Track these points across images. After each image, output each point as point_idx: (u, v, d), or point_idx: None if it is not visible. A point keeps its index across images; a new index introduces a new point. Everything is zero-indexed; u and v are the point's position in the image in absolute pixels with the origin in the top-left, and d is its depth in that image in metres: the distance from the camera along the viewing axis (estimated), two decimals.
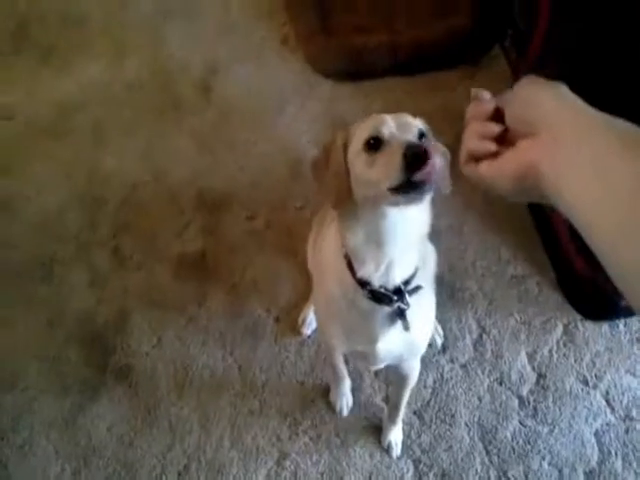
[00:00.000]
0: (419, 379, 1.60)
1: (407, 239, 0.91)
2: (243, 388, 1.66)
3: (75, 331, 1.82)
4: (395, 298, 0.94)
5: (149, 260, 1.96)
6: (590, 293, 1.65)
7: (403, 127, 0.84)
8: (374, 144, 0.83)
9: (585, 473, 1.46)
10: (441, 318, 1.69)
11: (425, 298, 1.03)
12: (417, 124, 0.86)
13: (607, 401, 1.55)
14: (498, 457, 1.49)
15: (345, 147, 0.89)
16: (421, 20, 2.41)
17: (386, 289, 0.94)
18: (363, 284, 0.94)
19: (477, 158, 0.55)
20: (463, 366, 1.63)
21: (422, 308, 1.03)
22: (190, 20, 2.68)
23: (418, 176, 0.73)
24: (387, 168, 0.77)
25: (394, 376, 1.33)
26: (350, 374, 1.58)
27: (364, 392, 1.62)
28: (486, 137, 0.54)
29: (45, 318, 1.85)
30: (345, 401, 1.58)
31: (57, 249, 2.02)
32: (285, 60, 2.51)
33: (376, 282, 0.93)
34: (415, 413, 1.57)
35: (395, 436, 1.52)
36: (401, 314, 0.97)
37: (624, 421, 1.52)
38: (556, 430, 1.52)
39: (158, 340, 1.78)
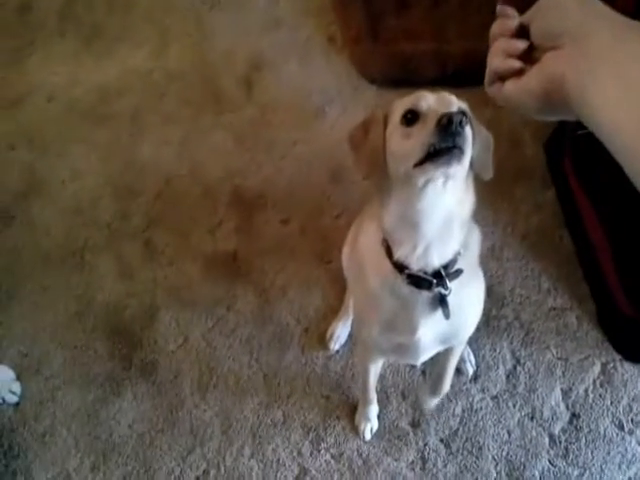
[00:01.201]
0: (448, 406, 1.58)
1: (445, 220, 0.89)
2: (267, 397, 1.64)
3: (102, 322, 1.81)
4: (435, 282, 0.92)
5: (180, 256, 1.94)
6: (632, 333, 1.60)
7: (442, 102, 0.83)
8: (411, 118, 0.83)
9: None
10: (474, 346, 1.65)
11: (470, 283, 1.01)
12: (458, 103, 0.85)
13: None
14: None
15: (385, 121, 0.90)
16: (474, 31, 2.33)
17: (425, 273, 0.92)
18: (401, 268, 0.93)
19: (502, 77, 0.53)
20: (494, 397, 1.59)
21: (466, 293, 1.01)
22: (236, 12, 2.64)
23: (448, 142, 0.75)
24: (420, 140, 0.78)
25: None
26: (378, 399, 1.54)
27: (390, 415, 1.58)
28: (511, 54, 0.53)
29: (73, 307, 1.84)
30: (370, 426, 1.55)
31: (89, 237, 2.01)
32: (330, 61, 2.46)
33: (414, 265, 0.92)
34: (442, 441, 1.54)
35: (434, 404, 1.50)
36: (442, 300, 0.96)
37: None
38: (587, 474, 1.47)
39: (185, 339, 1.76)
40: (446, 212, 0.88)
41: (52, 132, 2.32)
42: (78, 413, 1.65)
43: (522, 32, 0.54)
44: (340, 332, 1.69)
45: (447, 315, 0.98)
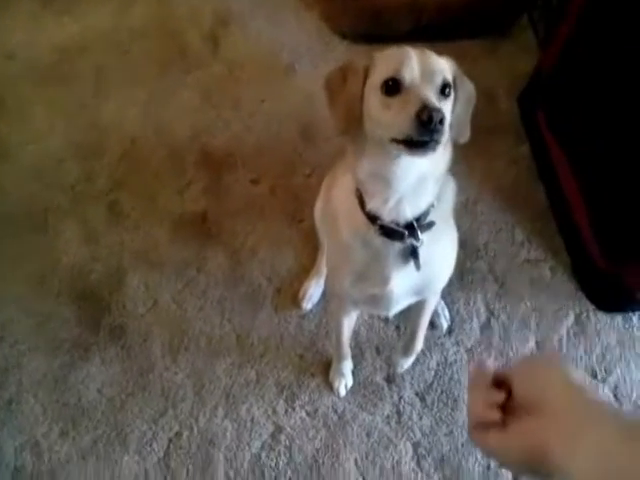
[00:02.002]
0: (422, 360, 1.57)
1: (418, 178, 0.88)
2: (240, 357, 1.61)
3: (68, 287, 1.75)
4: (407, 234, 0.92)
5: (147, 218, 1.87)
6: (606, 284, 1.60)
7: (426, 75, 0.81)
8: (392, 86, 0.81)
9: None
10: (448, 299, 1.63)
11: (442, 235, 1.01)
12: (442, 72, 0.82)
13: (615, 396, 1.51)
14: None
15: (365, 74, 0.86)
16: None
17: (397, 224, 0.92)
18: (373, 219, 0.92)
19: (484, 426, 0.55)
20: (469, 350, 1.58)
21: (439, 245, 1.01)
22: None
23: (425, 137, 0.75)
24: (398, 119, 0.78)
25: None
26: (352, 355, 1.52)
27: (365, 370, 1.57)
28: (491, 405, 0.55)
29: (37, 271, 1.77)
30: (344, 382, 1.53)
31: (52, 199, 1.93)
32: (300, 17, 2.39)
33: (386, 217, 0.92)
34: (417, 394, 1.53)
35: (407, 363, 1.52)
36: (413, 252, 0.96)
37: None
38: None
39: (154, 302, 1.71)
40: (420, 173, 0.88)
41: (11, 92, 2.22)
42: (45, 379, 1.60)
43: (499, 380, 0.56)
44: (313, 291, 1.66)
45: (418, 267, 0.97)
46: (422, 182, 0.89)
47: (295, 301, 1.67)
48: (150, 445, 1.49)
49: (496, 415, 0.54)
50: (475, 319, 1.62)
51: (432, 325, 1.59)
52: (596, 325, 1.61)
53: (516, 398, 0.54)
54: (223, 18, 2.37)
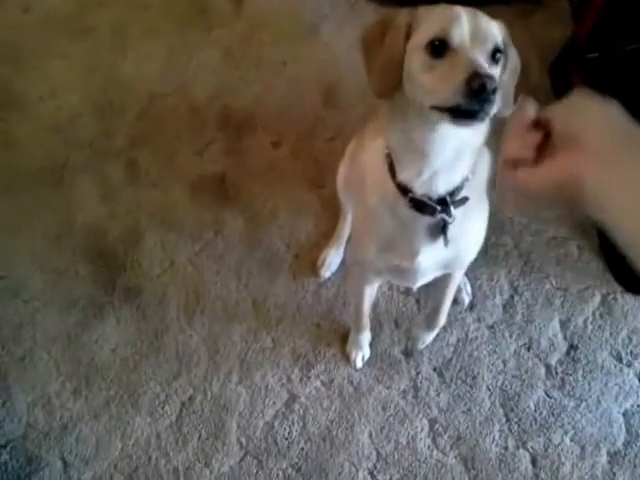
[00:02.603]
0: (442, 335, 1.53)
1: (456, 151, 0.83)
2: (256, 323, 1.58)
3: (83, 245, 1.72)
4: (439, 209, 0.87)
5: (165, 178, 1.83)
6: (634, 265, 1.54)
7: (477, 37, 0.73)
8: (438, 47, 0.73)
9: (609, 453, 1.39)
10: (471, 274, 1.58)
11: (474, 209, 0.96)
12: (494, 35, 0.75)
13: None
14: (518, 426, 1.42)
15: (407, 32, 0.79)
16: None
17: (429, 198, 0.87)
18: (404, 191, 0.88)
19: (515, 165, 0.54)
20: (490, 327, 1.54)
21: (470, 220, 0.97)
22: None
23: (475, 106, 0.69)
24: (443, 85, 0.71)
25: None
26: (370, 327, 1.49)
27: (382, 343, 1.54)
28: (526, 145, 0.54)
29: (53, 228, 1.74)
30: (361, 354, 1.50)
31: (69, 155, 1.89)
32: None
33: (418, 190, 0.87)
34: (435, 370, 1.50)
35: (429, 338, 1.48)
36: (444, 227, 0.91)
37: None
38: (583, 405, 1.44)
39: (170, 263, 1.68)
40: (459, 144, 0.82)
41: (29, 44, 2.16)
42: (59, 337, 1.58)
43: (540, 125, 0.54)
44: (332, 259, 1.62)
45: (446, 243, 0.93)
46: (459, 154, 0.83)
47: (313, 268, 1.63)
48: (162, 408, 1.48)
49: (529, 153, 0.53)
50: (498, 296, 1.58)
51: (454, 300, 1.54)
52: (623, 307, 1.56)
53: (555, 135, 0.52)
54: None
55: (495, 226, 1.66)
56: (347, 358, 1.51)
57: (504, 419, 1.44)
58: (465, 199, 0.89)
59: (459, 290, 1.55)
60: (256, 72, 2.03)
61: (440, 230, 0.92)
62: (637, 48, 1.68)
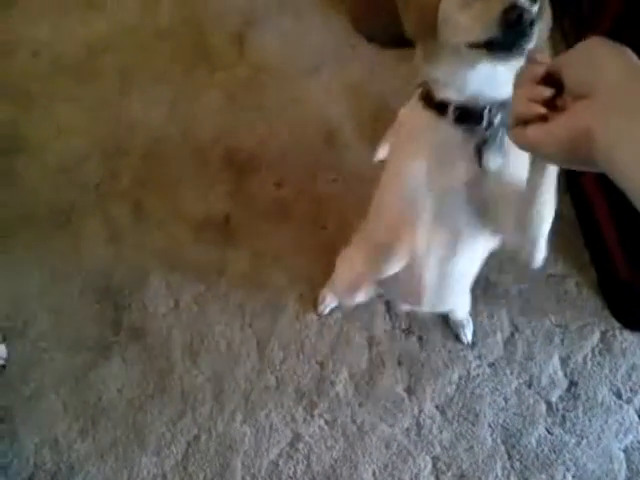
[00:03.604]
0: (444, 373, 1.56)
1: (499, 90, 0.80)
2: (260, 363, 1.60)
3: (90, 286, 1.75)
4: (487, 112, 0.81)
5: (170, 219, 1.87)
6: (632, 300, 1.57)
7: None
8: None
9: None
10: (472, 312, 1.61)
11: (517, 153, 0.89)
12: None
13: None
14: (520, 463, 1.44)
15: None
16: None
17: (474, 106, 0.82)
18: (444, 107, 0.83)
19: (525, 122, 0.52)
20: (491, 364, 1.57)
21: (516, 161, 0.85)
22: None
23: (511, 38, 0.68)
24: (480, 19, 0.70)
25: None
26: (374, 364, 1.51)
27: (385, 381, 1.56)
28: (536, 100, 0.52)
29: (60, 269, 1.78)
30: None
31: (76, 198, 1.93)
32: (326, 17, 2.37)
33: (460, 99, 0.82)
34: (437, 408, 1.51)
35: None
36: (485, 145, 0.84)
37: None
38: (584, 442, 1.46)
39: (175, 303, 1.71)
40: (505, 80, 0.77)
41: (37, 88, 2.22)
42: (66, 377, 1.60)
43: (549, 80, 0.53)
44: (331, 298, 1.64)
45: (488, 163, 0.84)
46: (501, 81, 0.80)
47: (316, 307, 1.66)
48: (168, 447, 1.50)
49: (538, 109, 0.51)
50: (499, 333, 1.61)
51: (455, 337, 1.58)
52: (622, 344, 1.58)
53: (567, 87, 0.50)
54: (249, 18, 2.36)
55: (494, 265, 1.69)
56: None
57: (506, 456, 1.45)
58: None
59: (461, 327, 1.58)
60: (258, 114, 2.09)
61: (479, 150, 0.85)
62: None
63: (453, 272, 1.04)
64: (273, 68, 2.23)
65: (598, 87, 0.46)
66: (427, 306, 1.15)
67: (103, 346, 1.65)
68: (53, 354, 1.64)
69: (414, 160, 0.91)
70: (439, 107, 0.85)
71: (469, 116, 0.83)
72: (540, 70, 0.53)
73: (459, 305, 1.46)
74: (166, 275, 1.76)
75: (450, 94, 0.83)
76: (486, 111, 0.82)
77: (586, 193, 1.73)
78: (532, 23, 0.67)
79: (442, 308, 1.29)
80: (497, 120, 0.82)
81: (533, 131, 0.51)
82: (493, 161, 0.84)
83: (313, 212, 1.84)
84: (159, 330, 1.67)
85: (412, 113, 0.92)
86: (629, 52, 0.47)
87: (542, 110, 0.51)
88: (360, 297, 1.49)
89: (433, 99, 0.85)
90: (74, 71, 2.26)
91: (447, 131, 0.85)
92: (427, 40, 0.81)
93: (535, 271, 1.68)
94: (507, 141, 0.83)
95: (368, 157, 1.78)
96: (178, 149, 2.04)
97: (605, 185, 1.66)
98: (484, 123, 0.82)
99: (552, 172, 0.75)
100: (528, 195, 0.82)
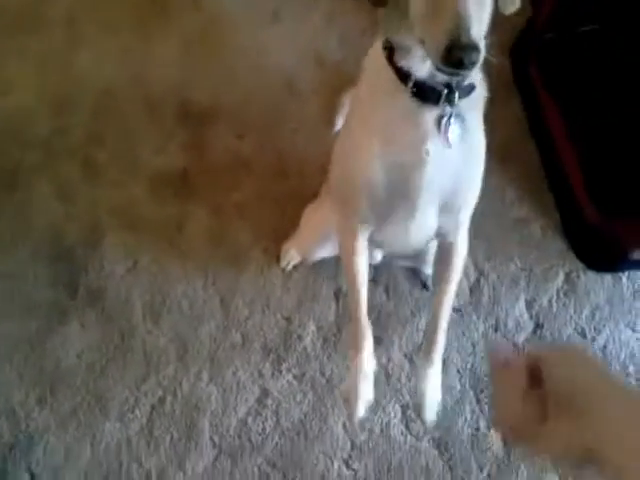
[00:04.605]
0: (411, 321, 1.54)
1: None
2: (225, 320, 1.56)
3: (41, 248, 1.67)
4: (445, 91, 0.80)
5: (125, 175, 1.78)
6: (597, 242, 1.57)
7: None
8: None
9: None
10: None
11: (476, 127, 0.91)
12: None
13: (604, 355, 1.50)
14: (489, 406, 1.44)
15: None
16: None
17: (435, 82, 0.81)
18: (405, 76, 0.81)
19: (518, 432, 0.51)
20: (458, 310, 1.55)
21: (473, 137, 0.90)
22: None
23: (456, 71, 0.68)
24: (431, 28, 0.68)
25: (436, 263, 1.14)
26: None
27: None
28: (526, 415, 0.50)
29: (8, 232, 1.68)
30: (363, 399, 1.12)
31: (22, 156, 1.82)
32: None
33: (421, 75, 0.80)
34: (406, 356, 1.50)
35: (430, 387, 1.16)
36: (447, 122, 0.84)
37: None
38: None
39: (134, 263, 1.64)
40: None
41: None
42: (20, 345, 1.53)
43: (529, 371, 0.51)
44: (293, 252, 1.60)
45: (447, 140, 0.85)
46: None
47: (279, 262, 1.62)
48: (132, 412, 1.45)
49: (535, 429, 0.49)
50: (464, 279, 1.59)
51: (423, 286, 1.57)
52: (586, 284, 1.59)
53: (549, 388, 0.49)
54: None
55: None
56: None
57: (475, 400, 1.45)
58: (472, 87, 0.83)
59: (427, 276, 1.56)
60: (216, 64, 1.99)
61: (444, 127, 0.84)
62: (592, 29, 1.71)
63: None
64: (231, 16, 2.11)
65: (583, 401, 0.45)
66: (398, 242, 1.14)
67: (59, 311, 1.58)
68: (5, 321, 1.57)
69: (370, 131, 0.90)
70: (399, 73, 0.82)
71: (427, 94, 0.82)
72: (520, 379, 0.50)
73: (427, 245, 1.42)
74: (123, 234, 1.68)
75: (411, 64, 0.80)
76: (444, 91, 0.80)
77: (552, 137, 1.71)
78: (474, 64, 0.65)
79: (415, 245, 1.23)
80: (457, 98, 0.81)
81: (530, 443, 0.50)
82: (453, 134, 0.85)
83: (275, 163, 1.78)
84: (118, 292, 1.61)
85: (375, 66, 0.88)
86: (595, 362, 0.51)
87: (537, 421, 0.48)
88: (324, 252, 1.45)
89: (395, 60, 0.82)
90: (17, 22, 2.10)
91: (405, 101, 0.83)
92: (385, 3, 0.77)
93: (500, 216, 1.67)
94: (466, 116, 0.85)
95: (328, 107, 1.72)
96: (131, 102, 1.93)
97: (571, 129, 1.64)
98: (441, 102, 0.81)
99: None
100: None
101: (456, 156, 0.88)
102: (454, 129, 0.84)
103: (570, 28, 1.69)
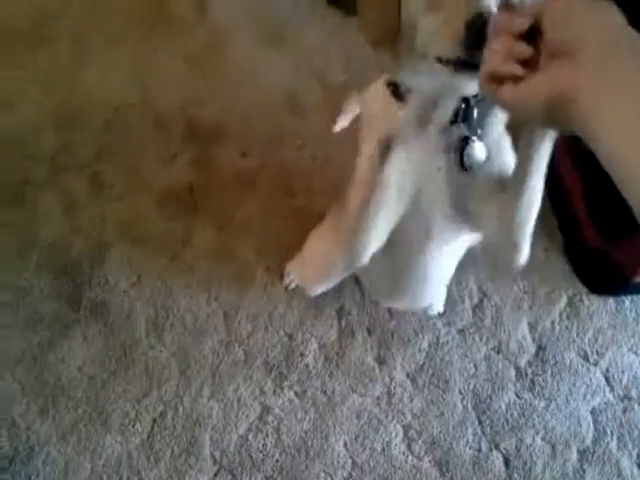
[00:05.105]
0: (414, 341, 1.54)
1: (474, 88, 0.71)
2: (227, 336, 1.56)
3: (47, 261, 1.67)
4: (462, 107, 0.74)
5: (131, 191, 1.80)
6: (599, 266, 1.58)
7: None
8: None
9: (579, 451, 1.42)
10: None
11: (503, 140, 0.80)
12: None
13: (607, 379, 1.50)
14: (491, 428, 1.44)
15: None
16: None
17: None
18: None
19: (499, 79, 0.49)
20: (460, 331, 1.56)
21: (502, 153, 0.79)
22: None
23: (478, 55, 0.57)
24: (446, 31, 0.60)
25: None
26: (343, 333, 1.48)
27: (356, 351, 1.53)
28: (513, 57, 0.48)
29: (14, 245, 1.69)
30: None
31: (30, 171, 1.83)
32: None
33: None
34: (408, 376, 1.50)
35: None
36: (463, 142, 0.76)
37: (622, 401, 1.48)
38: (552, 405, 1.47)
39: (138, 278, 1.65)
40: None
41: None
42: (23, 357, 1.53)
43: (529, 30, 0.49)
44: (297, 272, 1.60)
45: (462, 163, 0.77)
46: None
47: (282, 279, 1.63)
48: (133, 426, 1.45)
49: (517, 69, 0.47)
50: (467, 300, 1.60)
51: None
52: (589, 308, 1.59)
53: (546, 40, 0.46)
54: None
55: None
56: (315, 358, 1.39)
57: (477, 422, 1.45)
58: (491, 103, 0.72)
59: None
60: (221, 81, 2.02)
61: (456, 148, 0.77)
62: None
63: (431, 269, 0.99)
64: (235, 32, 2.15)
65: (581, 47, 0.43)
66: (408, 303, 1.11)
67: (62, 324, 1.58)
68: (9, 333, 1.56)
69: (391, 161, 0.80)
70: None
71: None
72: (520, 23, 0.49)
73: (437, 298, 1.44)
74: (128, 249, 1.69)
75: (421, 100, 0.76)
76: (462, 109, 0.75)
77: (555, 161, 1.72)
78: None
79: (423, 303, 1.25)
80: (474, 116, 0.75)
81: (508, 92, 0.48)
82: (476, 158, 0.77)
83: (280, 180, 1.79)
84: (121, 306, 1.61)
85: (381, 104, 0.82)
86: (613, 9, 0.45)
87: (520, 71, 0.48)
88: (328, 285, 1.44)
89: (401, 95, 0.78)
90: (23, 38, 2.13)
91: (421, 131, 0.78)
92: (389, 42, 0.71)
93: None
94: (490, 137, 0.78)
95: (333, 122, 1.74)
96: (138, 118, 1.95)
97: (574, 153, 1.65)
98: (459, 121, 0.76)
99: (540, 169, 0.71)
100: (513, 194, 0.77)
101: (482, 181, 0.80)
102: (473, 149, 0.77)
103: None
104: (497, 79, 0.50)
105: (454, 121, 0.76)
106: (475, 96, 0.74)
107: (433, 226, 0.87)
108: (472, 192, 0.81)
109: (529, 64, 0.48)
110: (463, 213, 0.85)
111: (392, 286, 1.02)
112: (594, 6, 0.45)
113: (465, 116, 0.75)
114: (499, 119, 0.79)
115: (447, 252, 0.98)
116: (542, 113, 0.46)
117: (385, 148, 0.78)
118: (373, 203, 0.82)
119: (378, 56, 0.77)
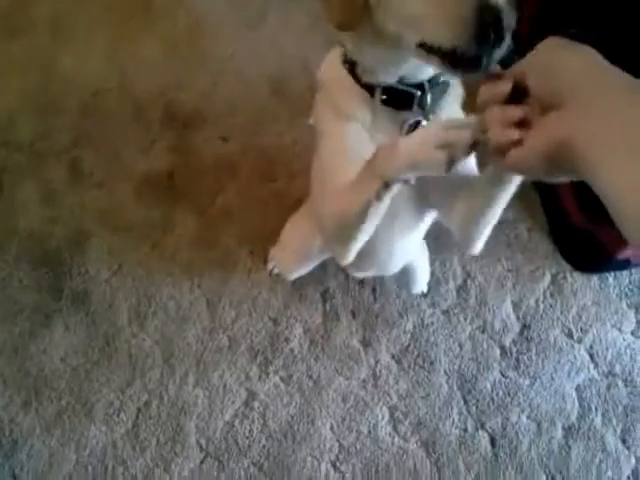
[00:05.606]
0: (398, 323, 1.54)
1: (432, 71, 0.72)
2: (211, 323, 1.55)
3: (26, 251, 1.65)
4: (417, 93, 0.72)
5: (111, 178, 1.77)
6: (583, 244, 1.58)
7: None
8: None
9: (564, 428, 1.43)
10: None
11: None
12: None
13: (591, 356, 1.51)
14: (476, 407, 1.44)
15: None
16: None
17: (405, 85, 0.73)
18: (372, 88, 0.75)
19: (503, 150, 0.50)
20: (445, 312, 1.56)
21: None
22: None
23: (484, 51, 0.54)
24: (447, 13, 0.54)
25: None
26: (329, 317, 1.47)
27: (341, 334, 1.53)
28: (508, 123, 0.50)
29: None
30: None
31: (8, 159, 1.80)
32: None
33: (389, 80, 0.73)
34: (393, 358, 1.50)
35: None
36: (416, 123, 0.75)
37: (607, 377, 1.48)
38: (537, 383, 1.47)
39: (119, 266, 1.63)
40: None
41: None
42: (4, 348, 1.51)
43: (514, 92, 0.51)
44: (280, 257, 1.58)
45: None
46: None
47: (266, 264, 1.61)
48: (118, 415, 1.44)
49: (516, 134, 0.49)
50: (451, 281, 1.59)
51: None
52: (572, 286, 1.59)
53: (534, 96, 0.48)
54: None
55: None
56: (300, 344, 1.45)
57: (462, 401, 1.45)
58: (446, 84, 0.74)
59: (416, 280, 1.55)
60: (201, 65, 1.98)
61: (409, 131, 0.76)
62: (578, 32, 1.72)
63: (397, 243, 0.99)
64: (216, 16, 2.11)
65: (567, 95, 0.44)
66: (375, 272, 1.12)
67: (43, 314, 1.56)
68: None
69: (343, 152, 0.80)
70: (365, 86, 0.77)
71: (398, 100, 0.75)
72: (504, 88, 0.51)
73: (416, 256, 1.42)
74: (108, 237, 1.67)
75: (376, 78, 0.75)
76: (417, 94, 0.74)
77: None
78: (508, 30, 0.54)
79: (387, 274, 1.24)
80: (429, 99, 0.74)
81: (514, 156, 0.49)
82: None
83: (261, 165, 1.77)
84: (103, 295, 1.59)
85: (337, 81, 0.80)
86: (589, 51, 0.46)
87: (517, 135, 0.48)
88: (307, 268, 1.43)
89: (358, 78, 0.76)
90: (0, 23, 2.09)
91: (376, 110, 0.77)
92: (355, 25, 0.68)
93: None
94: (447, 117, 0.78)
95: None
96: (116, 104, 1.92)
97: None
98: (414, 107, 0.75)
99: (511, 189, 0.71)
100: (481, 203, 0.78)
101: None
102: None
103: (555, 30, 1.70)
104: (501, 150, 0.51)
105: (407, 106, 0.75)
106: (429, 80, 0.73)
107: (399, 207, 0.86)
108: (431, 182, 0.80)
109: (527, 124, 0.49)
110: (426, 202, 0.87)
111: (359, 257, 1.01)
112: (570, 53, 0.47)
113: (420, 101, 0.74)
114: (454, 97, 0.79)
115: (413, 227, 0.97)
116: (545, 166, 0.47)
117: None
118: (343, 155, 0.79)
119: (338, 35, 0.77)
